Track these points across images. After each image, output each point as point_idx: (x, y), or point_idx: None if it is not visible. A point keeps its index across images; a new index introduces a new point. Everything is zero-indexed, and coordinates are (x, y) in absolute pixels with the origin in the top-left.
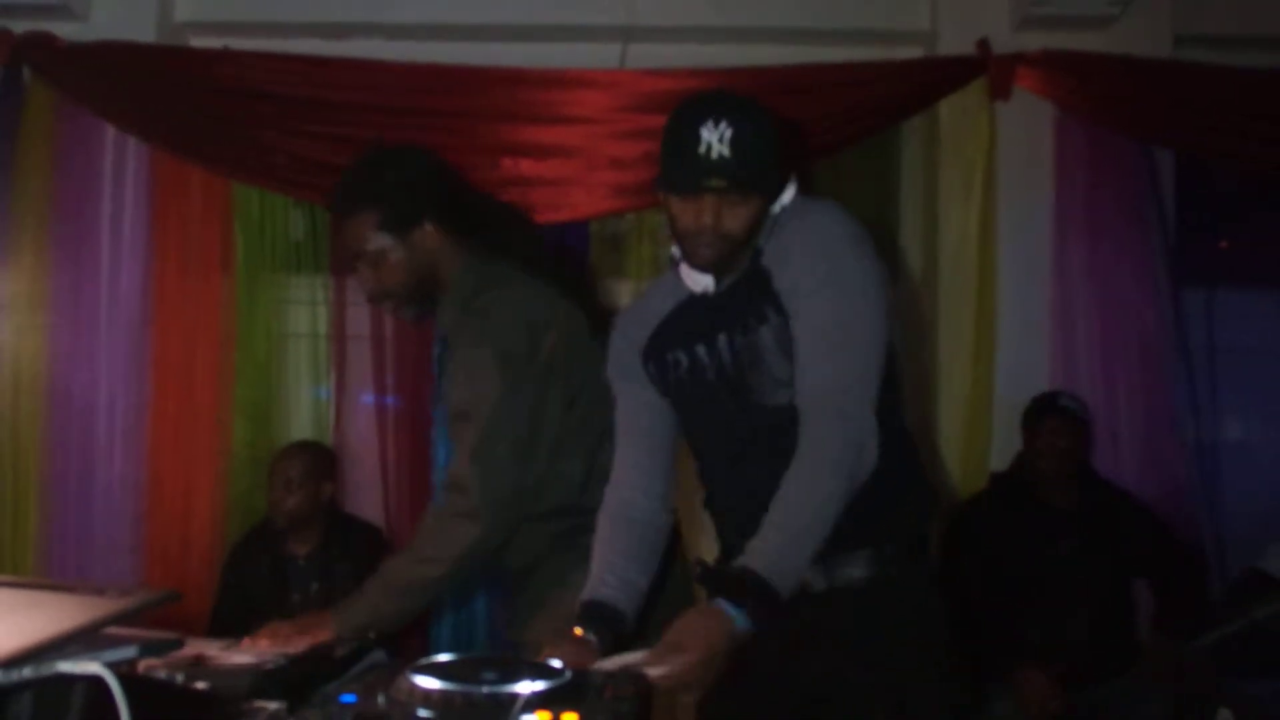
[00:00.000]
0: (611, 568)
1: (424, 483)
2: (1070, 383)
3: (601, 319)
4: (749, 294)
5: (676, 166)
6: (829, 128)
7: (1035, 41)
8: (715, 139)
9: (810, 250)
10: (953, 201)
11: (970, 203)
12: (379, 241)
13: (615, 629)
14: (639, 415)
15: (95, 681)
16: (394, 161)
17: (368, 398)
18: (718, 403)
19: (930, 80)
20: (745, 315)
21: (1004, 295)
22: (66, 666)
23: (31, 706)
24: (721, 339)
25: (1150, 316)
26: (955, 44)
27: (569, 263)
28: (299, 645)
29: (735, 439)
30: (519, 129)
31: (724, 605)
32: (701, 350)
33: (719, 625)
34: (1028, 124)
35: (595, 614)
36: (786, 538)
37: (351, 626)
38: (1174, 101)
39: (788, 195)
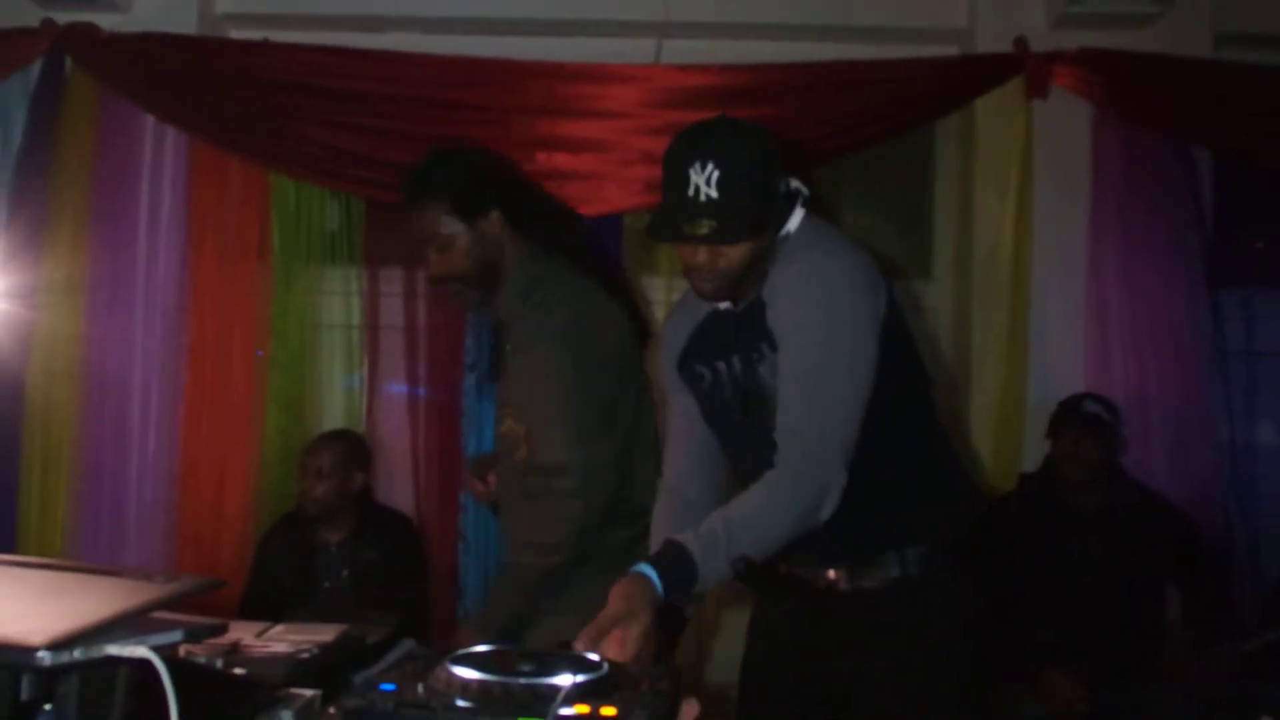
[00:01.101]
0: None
1: (454, 472)
2: (1103, 383)
3: (639, 319)
4: (751, 323)
5: (665, 211)
6: (863, 125)
7: (1073, 40)
8: (702, 181)
9: (798, 292)
10: (988, 200)
11: (1005, 202)
12: (449, 227)
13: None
14: (683, 420)
15: (142, 664)
16: (463, 155)
17: (399, 388)
18: (733, 418)
19: (966, 78)
20: (752, 341)
21: (1038, 295)
22: (115, 649)
23: (79, 688)
24: (736, 359)
25: (1185, 317)
26: (991, 42)
27: (609, 263)
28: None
29: (748, 454)
30: (553, 123)
31: (648, 571)
32: (722, 366)
33: (644, 590)
34: (1064, 123)
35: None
36: (725, 539)
37: (492, 631)
38: (1214, 101)
39: (794, 221)
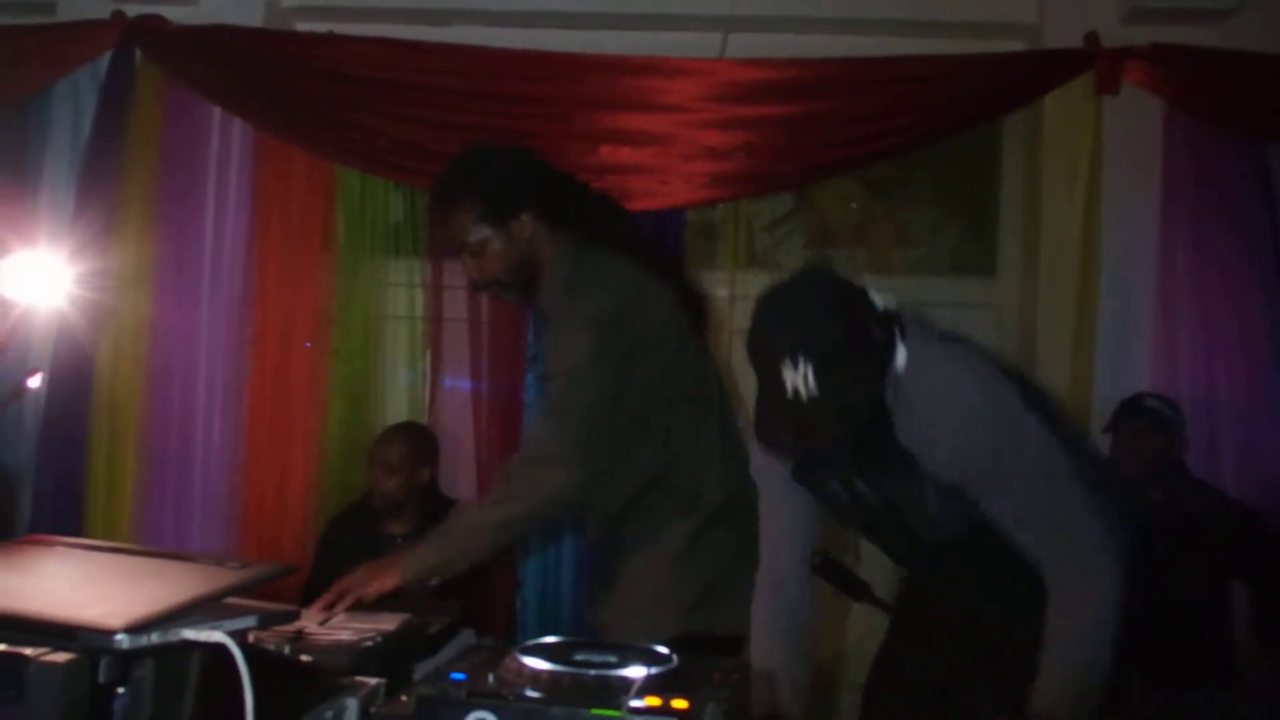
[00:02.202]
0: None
1: None
2: (1171, 383)
3: (698, 305)
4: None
5: (765, 412)
6: (929, 121)
7: (1144, 35)
8: (799, 380)
9: (961, 439)
10: (1055, 197)
11: (1074, 199)
12: (480, 232)
13: None
14: (791, 521)
15: (215, 649)
16: (491, 157)
17: (463, 380)
18: (881, 521)
19: (1035, 73)
20: (887, 456)
21: (1106, 293)
22: (191, 634)
23: (154, 671)
24: (868, 481)
25: (1256, 318)
26: (1060, 37)
27: (662, 249)
28: (369, 595)
29: (901, 541)
30: (616, 117)
31: None
32: (860, 485)
33: None
34: (1135, 120)
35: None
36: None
37: (417, 569)
38: None
39: (900, 358)
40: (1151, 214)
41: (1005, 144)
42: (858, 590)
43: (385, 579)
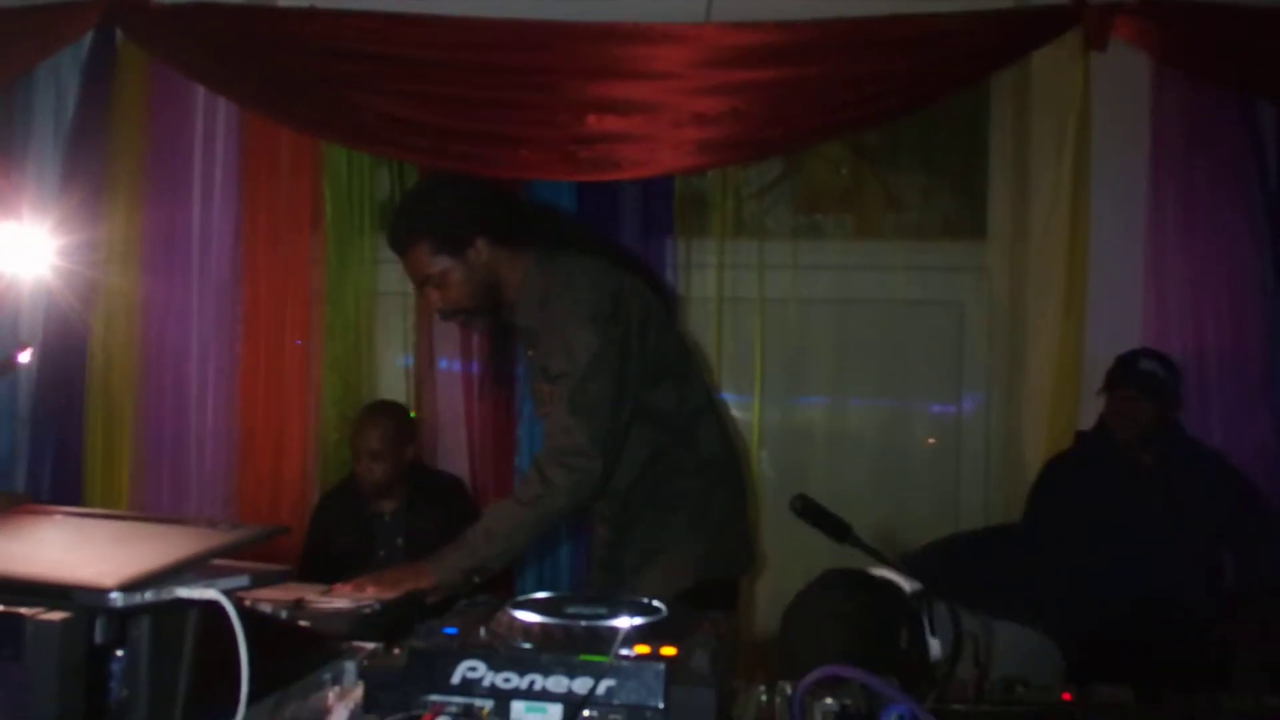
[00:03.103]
0: None
1: (509, 440)
2: (1162, 342)
3: (662, 288)
4: None
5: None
6: (916, 81)
7: None
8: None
9: None
10: (1045, 156)
11: (1063, 157)
12: (439, 264)
13: None
14: None
15: (211, 607)
16: (436, 191)
17: (453, 355)
18: None
19: (1022, 30)
20: None
21: (1096, 253)
22: (185, 592)
23: (150, 630)
24: None
25: (1247, 275)
26: None
27: (622, 246)
28: (395, 594)
29: None
30: (604, 85)
31: None
32: None
33: None
34: (1124, 76)
35: None
36: None
37: (451, 571)
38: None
39: None
40: (1141, 172)
41: (993, 105)
42: (839, 531)
43: (419, 581)
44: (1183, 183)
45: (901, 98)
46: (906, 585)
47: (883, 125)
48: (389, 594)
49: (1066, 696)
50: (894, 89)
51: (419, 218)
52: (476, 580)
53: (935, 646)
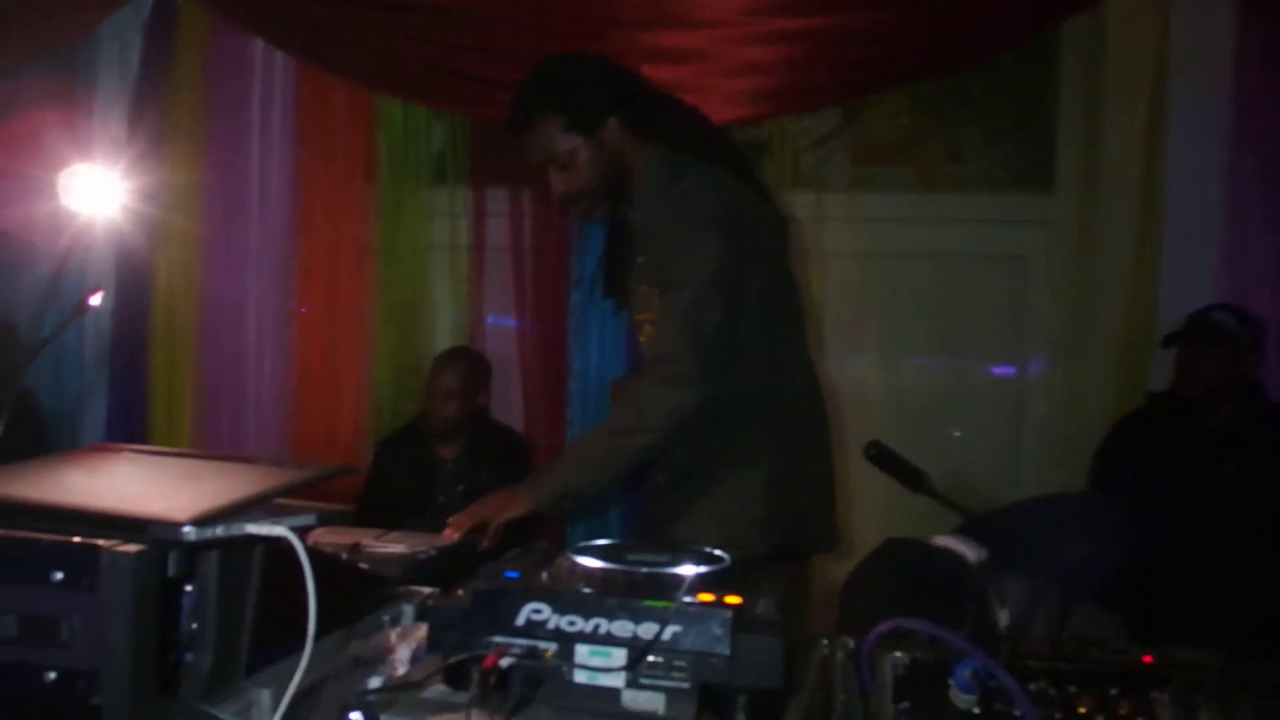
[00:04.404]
0: None
1: (561, 389)
2: (1239, 297)
3: (784, 222)
4: None
5: None
6: (982, 31)
7: None
8: None
9: None
10: (1118, 103)
11: (1137, 108)
12: (568, 142)
13: None
14: None
15: (277, 544)
16: (570, 65)
17: (506, 307)
18: None
19: None
20: None
21: (1171, 207)
22: (254, 528)
23: (219, 564)
24: None
25: None
26: None
27: (735, 148)
28: (498, 522)
29: None
30: (656, 35)
31: None
32: None
33: None
34: (1204, 22)
35: None
36: None
37: (543, 496)
38: None
39: None
40: (1221, 121)
41: (1064, 51)
42: (914, 479)
43: (515, 505)
44: (1265, 132)
45: (965, 46)
46: (971, 554)
47: (945, 74)
48: (499, 519)
49: (1147, 659)
50: (957, 36)
51: (551, 91)
52: (568, 508)
53: (1004, 617)
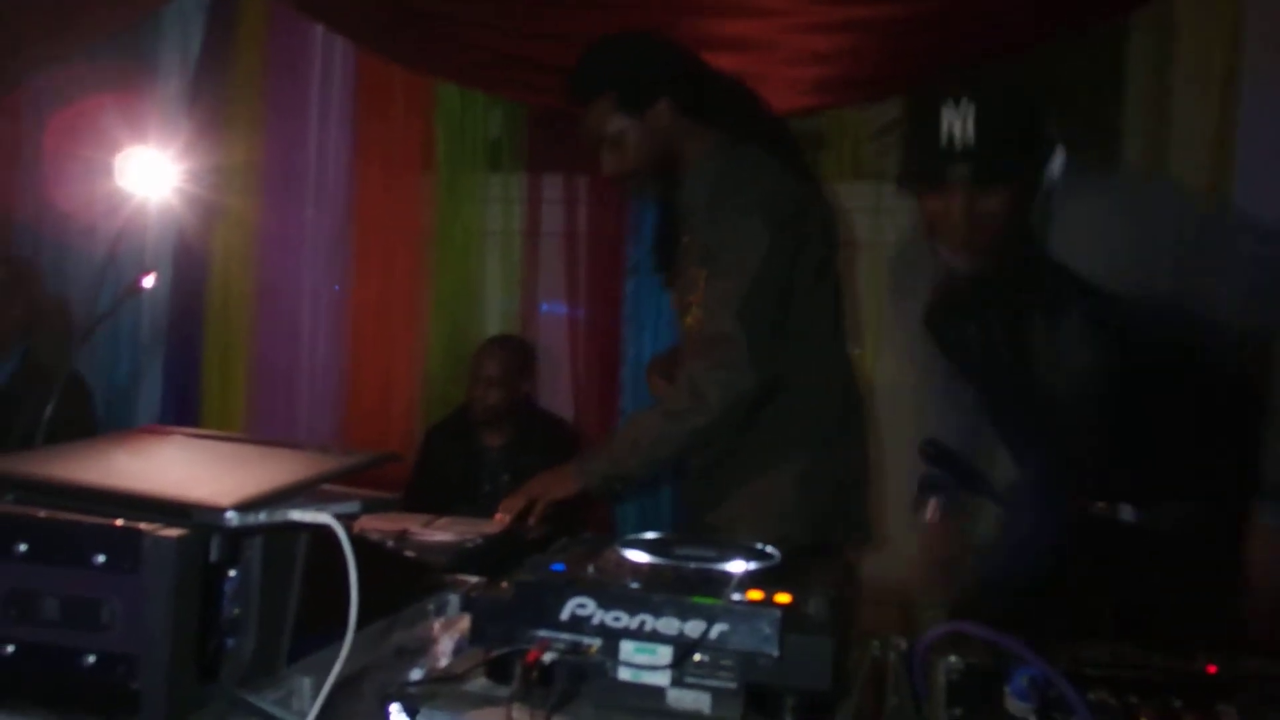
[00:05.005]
0: None
1: (613, 378)
2: None
3: (833, 216)
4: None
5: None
6: (1046, 16)
7: None
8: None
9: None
10: (1188, 98)
11: (1207, 99)
12: (617, 123)
13: None
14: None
15: (322, 531)
16: (624, 45)
17: (560, 294)
18: (1012, 386)
19: None
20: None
21: (1241, 201)
22: (298, 515)
23: (263, 550)
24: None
25: None
26: None
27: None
28: (547, 499)
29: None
30: (717, 22)
31: None
32: (997, 330)
33: None
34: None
35: None
36: None
37: (594, 477)
38: None
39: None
40: None
41: (1132, 35)
42: (973, 481)
43: (564, 485)
44: None
45: (1029, 34)
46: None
47: (1010, 62)
48: (551, 497)
49: (1212, 669)
50: (1029, 19)
51: (602, 70)
52: (618, 489)
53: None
